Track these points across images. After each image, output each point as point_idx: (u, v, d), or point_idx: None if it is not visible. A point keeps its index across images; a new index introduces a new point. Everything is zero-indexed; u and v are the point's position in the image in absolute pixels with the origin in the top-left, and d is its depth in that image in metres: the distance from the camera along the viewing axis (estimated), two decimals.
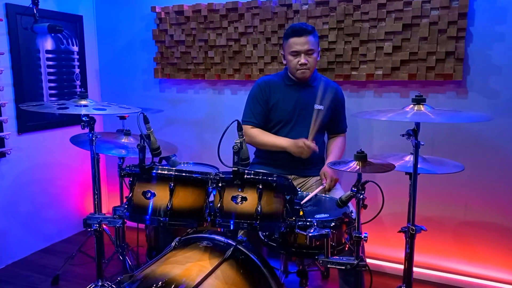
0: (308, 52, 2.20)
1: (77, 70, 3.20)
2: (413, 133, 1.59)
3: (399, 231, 1.69)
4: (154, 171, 1.55)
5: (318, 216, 1.69)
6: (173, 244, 1.62)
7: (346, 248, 1.69)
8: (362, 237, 1.53)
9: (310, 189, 2.24)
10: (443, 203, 2.51)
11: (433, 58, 2.36)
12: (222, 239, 1.64)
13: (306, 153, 2.13)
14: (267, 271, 1.59)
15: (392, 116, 1.59)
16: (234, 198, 1.48)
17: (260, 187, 1.46)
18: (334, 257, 1.58)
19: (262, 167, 2.33)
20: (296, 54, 2.20)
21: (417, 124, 1.60)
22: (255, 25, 2.75)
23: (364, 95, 2.62)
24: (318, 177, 2.28)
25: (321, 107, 2.30)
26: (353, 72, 2.56)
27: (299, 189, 1.92)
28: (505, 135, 2.33)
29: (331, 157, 2.30)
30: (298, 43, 2.18)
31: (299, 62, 2.20)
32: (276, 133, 2.30)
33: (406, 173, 1.76)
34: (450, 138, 2.43)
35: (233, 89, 2.97)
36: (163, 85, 3.21)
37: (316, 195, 1.97)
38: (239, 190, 1.48)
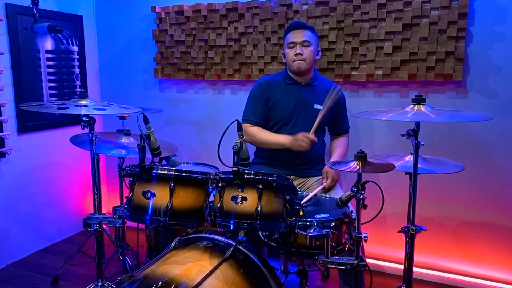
0: (304, 44, 2.22)
1: (77, 70, 3.20)
2: (413, 133, 1.59)
3: (399, 231, 1.69)
4: (154, 171, 1.55)
5: (318, 216, 1.68)
6: (173, 244, 1.62)
7: (346, 248, 1.69)
8: (362, 237, 1.53)
9: (310, 189, 2.24)
10: (443, 203, 2.51)
11: (433, 58, 2.36)
12: (222, 239, 1.64)
13: (306, 145, 2.13)
14: (267, 271, 1.59)
15: (392, 116, 1.59)
16: (234, 198, 1.48)
17: (260, 187, 1.46)
18: (334, 257, 1.58)
19: (262, 167, 2.33)
20: (293, 45, 2.24)
21: (417, 124, 1.60)
22: (255, 25, 2.75)
23: (364, 95, 2.62)
24: (318, 177, 2.28)
25: (320, 106, 2.30)
26: (353, 72, 2.56)
27: (299, 189, 1.92)
28: (505, 135, 2.33)
29: (335, 156, 2.30)
30: (295, 35, 2.23)
31: (295, 53, 2.22)
32: (276, 132, 2.30)
33: (406, 173, 1.76)
34: (450, 138, 2.43)
35: (233, 89, 2.97)
36: (163, 85, 3.21)
37: (316, 194, 1.97)
38: (239, 190, 1.48)
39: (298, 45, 2.22)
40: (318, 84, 2.34)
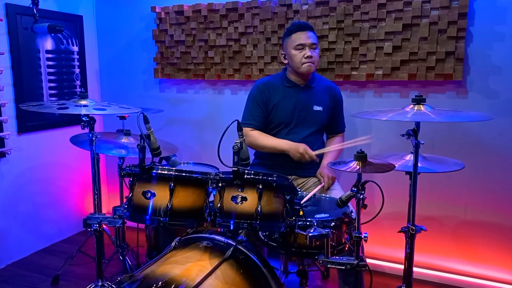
0: (312, 46, 2.20)
1: (77, 70, 3.20)
2: (413, 133, 1.59)
3: (399, 231, 1.69)
4: (154, 171, 1.55)
5: (318, 216, 1.68)
6: (173, 244, 1.62)
7: (346, 248, 1.69)
8: (362, 237, 1.53)
9: (310, 189, 2.24)
10: (443, 203, 2.51)
11: (433, 58, 2.36)
12: (222, 239, 1.64)
13: (304, 160, 2.13)
14: (267, 271, 1.59)
15: (392, 116, 1.59)
16: (234, 198, 1.48)
17: (260, 187, 1.46)
18: (334, 257, 1.58)
19: (262, 168, 2.33)
20: (302, 47, 2.20)
21: (417, 124, 1.60)
22: (255, 25, 2.75)
23: (364, 95, 2.62)
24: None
25: (320, 108, 2.30)
26: (353, 72, 2.56)
27: (299, 189, 1.92)
28: (505, 135, 2.33)
29: (328, 157, 2.29)
30: (303, 37, 2.19)
31: (305, 55, 2.18)
32: (276, 135, 2.29)
33: (406, 172, 1.76)
34: (450, 138, 2.43)
35: (233, 89, 2.97)
36: (163, 85, 3.21)
37: (315, 194, 1.98)
38: (239, 190, 1.48)
39: (307, 47, 2.19)
40: (316, 85, 2.33)
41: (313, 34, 2.23)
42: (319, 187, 2.11)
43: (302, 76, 2.27)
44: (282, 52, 2.33)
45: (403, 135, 1.63)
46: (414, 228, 1.64)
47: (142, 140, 1.60)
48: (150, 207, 1.54)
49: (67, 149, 2.95)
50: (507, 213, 2.39)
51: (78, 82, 3.21)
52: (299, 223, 1.53)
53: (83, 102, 1.86)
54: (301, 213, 1.54)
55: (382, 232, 2.64)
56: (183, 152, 3.01)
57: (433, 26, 2.34)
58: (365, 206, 1.54)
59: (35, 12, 2.67)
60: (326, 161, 2.27)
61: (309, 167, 2.31)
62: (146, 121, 1.62)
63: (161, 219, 1.52)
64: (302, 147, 2.13)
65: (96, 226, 1.84)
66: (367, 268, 1.54)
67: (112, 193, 3.53)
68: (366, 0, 2.46)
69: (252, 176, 1.47)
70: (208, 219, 1.55)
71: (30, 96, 2.84)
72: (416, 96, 1.65)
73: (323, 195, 2.04)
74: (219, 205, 1.49)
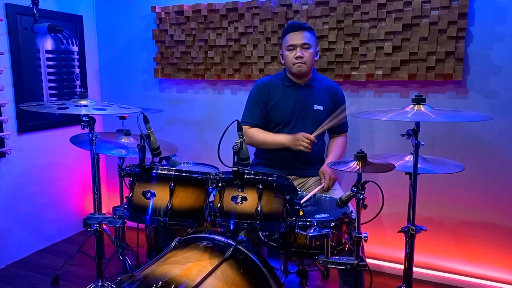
0: (304, 46, 2.21)
1: (77, 70, 3.20)
2: (413, 133, 1.59)
3: (399, 231, 1.69)
4: (154, 171, 1.55)
5: (318, 216, 1.68)
6: (173, 244, 1.62)
7: (346, 248, 1.69)
8: (362, 237, 1.53)
9: (309, 189, 2.24)
10: (443, 203, 2.51)
11: (433, 58, 2.36)
12: (222, 239, 1.64)
13: (306, 145, 2.13)
14: (267, 271, 1.59)
15: (392, 116, 1.59)
16: (234, 198, 1.48)
17: (260, 187, 1.46)
18: (334, 257, 1.58)
19: (262, 168, 2.33)
20: (292, 48, 2.21)
21: (417, 124, 1.60)
22: (255, 25, 2.75)
23: (364, 95, 2.62)
24: (318, 177, 2.28)
25: (320, 107, 2.30)
26: (353, 72, 2.56)
27: (299, 189, 1.92)
28: (505, 135, 2.33)
29: (331, 157, 2.30)
30: (294, 37, 2.21)
31: (295, 56, 2.20)
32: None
33: (406, 173, 1.76)
34: (450, 138, 2.43)
35: (233, 89, 2.97)
36: (163, 85, 3.21)
37: (315, 195, 1.98)
38: (239, 190, 1.48)
39: (298, 48, 2.20)
40: (317, 85, 2.33)
41: (307, 34, 2.22)
42: (319, 187, 2.11)
43: (296, 77, 2.28)
44: (281, 53, 2.34)
45: (403, 135, 1.63)
46: (414, 228, 1.64)
47: (142, 140, 1.60)
48: (150, 207, 1.54)
49: (67, 149, 2.95)
50: (507, 213, 2.39)
51: (78, 82, 3.21)
52: (299, 223, 1.53)
53: (83, 102, 1.86)
54: (301, 213, 1.54)
55: (382, 232, 2.64)
56: (183, 152, 3.01)
57: (433, 26, 2.34)
58: (365, 206, 1.54)
59: (35, 12, 2.67)
60: (329, 160, 2.27)
61: (309, 167, 2.32)
62: (146, 121, 1.62)
63: (161, 219, 1.52)
64: (300, 135, 2.14)
65: (96, 226, 1.84)
66: (367, 268, 1.54)
67: (112, 193, 3.53)
68: (366, 0, 2.46)
69: (252, 176, 1.47)
70: (208, 219, 1.55)
71: (30, 96, 2.84)
72: (416, 96, 1.65)
73: (323, 195, 2.04)
74: (219, 205, 1.49)
